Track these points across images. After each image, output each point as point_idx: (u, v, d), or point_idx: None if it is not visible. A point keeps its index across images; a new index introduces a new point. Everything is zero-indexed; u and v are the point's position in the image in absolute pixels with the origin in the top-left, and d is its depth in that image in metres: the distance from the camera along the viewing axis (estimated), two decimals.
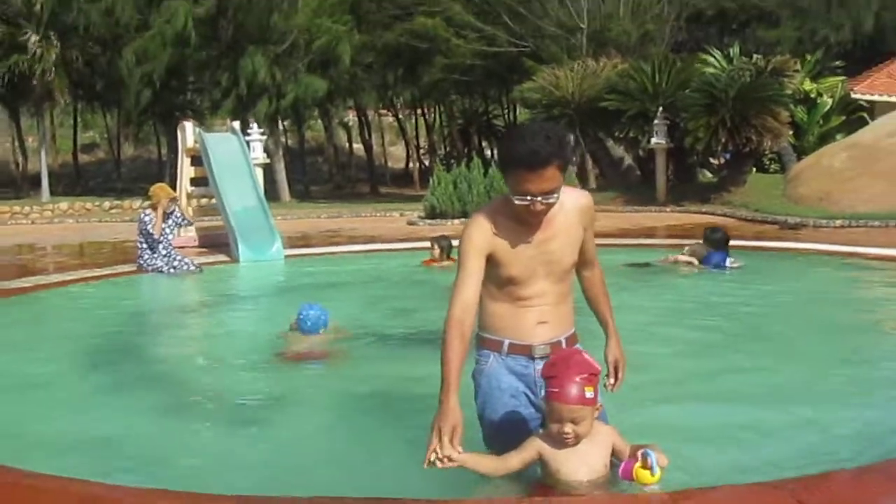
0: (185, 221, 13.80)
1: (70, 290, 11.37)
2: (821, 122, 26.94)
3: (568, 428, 3.54)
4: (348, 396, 5.77)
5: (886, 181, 18.28)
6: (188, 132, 16.80)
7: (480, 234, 3.61)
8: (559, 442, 3.59)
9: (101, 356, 7.31)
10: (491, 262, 3.64)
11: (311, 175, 49.12)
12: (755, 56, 25.43)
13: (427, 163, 50.58)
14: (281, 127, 40.51)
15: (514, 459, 3.64)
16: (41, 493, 3.83)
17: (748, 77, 22.55)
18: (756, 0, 32.25)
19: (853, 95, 28.10)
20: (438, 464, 3.40)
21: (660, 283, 10.83)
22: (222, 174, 15.56)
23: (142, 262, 12.80)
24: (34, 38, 33.06)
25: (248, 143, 17.19)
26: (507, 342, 3.75)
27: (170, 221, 13.02)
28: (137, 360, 7.23)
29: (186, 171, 16.73)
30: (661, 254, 12.47)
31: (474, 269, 3.60)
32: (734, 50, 27.40)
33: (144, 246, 12.83)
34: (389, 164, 57.38)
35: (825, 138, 25.51)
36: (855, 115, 27.00)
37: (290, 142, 49.86)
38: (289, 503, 3.64)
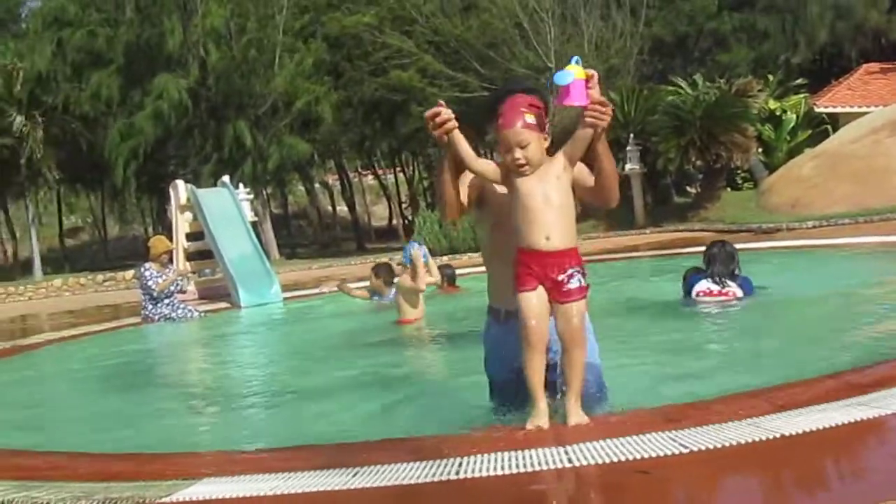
0: (177, 286, 13.62)
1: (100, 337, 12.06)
2: (788, 138, 27.75)
3: (518, 153, 3.79)
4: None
5: (851, 183, 19.02)
6: (181, 189, 17.37)
7: None
8: (516, 174, 3.84)
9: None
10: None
11: (295, 238, 49.73)
12: (719, 81, 26.26)
13: (410, 217, 51.15)
14: (265, 193, 41.13)
15: (485, 163, 3.98)
16: None
17: (713, 98, 23.34)
18: (713, 25, 33.23)
19: (817, 110, 29.02)
20: (439, 114, 3.77)
21: None
22: (216, 225, 16.10)
23: (146, 312, 13.06)
24: (19, 118, 33.81)
25: None
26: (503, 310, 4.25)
27: (169, 272, 13.35)
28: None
29: (182, 226, 17.21)
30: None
31: None
32: (698, 77, 28.29)
33: (147, 297, 13.21)
34: (373, 222, 57.91)
35: (793, 153, 26.24)
36: (820, 129, 27.86)
37: (273, 207, 50.43)
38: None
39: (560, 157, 3.87)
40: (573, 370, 3.82)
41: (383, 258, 25.21)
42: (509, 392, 4.16)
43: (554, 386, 3.95)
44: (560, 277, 3.79)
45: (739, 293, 7.85)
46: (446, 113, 3.76)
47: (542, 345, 3.80)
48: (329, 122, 35.07)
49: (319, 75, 35.36)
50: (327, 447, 4.22)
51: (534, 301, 3.79)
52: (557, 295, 3.80)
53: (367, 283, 11.50)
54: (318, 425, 5.07)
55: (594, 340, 4.28)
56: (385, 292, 10.96)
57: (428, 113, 3.81)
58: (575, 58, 3.82)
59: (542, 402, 3.79)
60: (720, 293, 7.84)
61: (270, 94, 33.67)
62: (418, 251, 9.07)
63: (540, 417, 3.77)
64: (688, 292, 8.06)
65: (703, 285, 7.92)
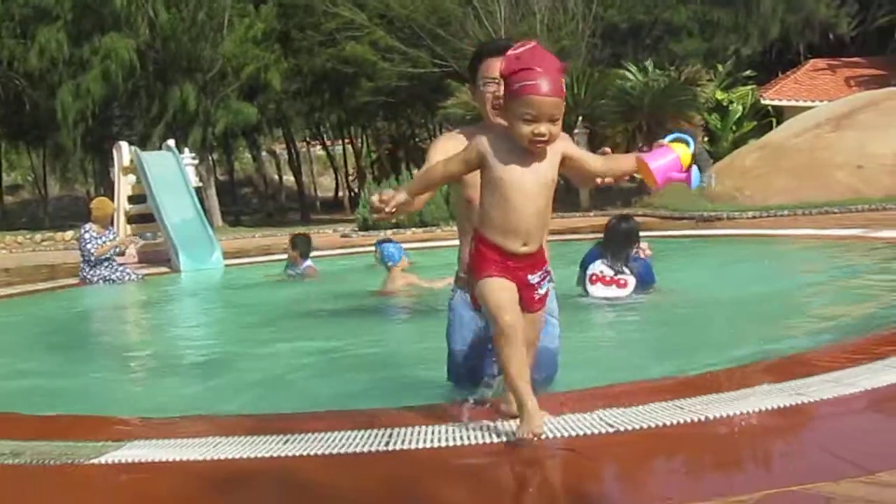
0: (118, 250, 13.52)
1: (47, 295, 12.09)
2: (734, 128, 28.15)
3: (544, 128, 3.06)
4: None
5: (792, 175, 19.31)
6: (124, 151, 17.16)
7: None
8: (518, 151, 3.16)
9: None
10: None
11: (241, 205, 49.40)
12: (669, 68, 26.50)
13: (357, 189, 50.90)
14: (210, 159, 40.73)
15: (455, 163, 3.29)
16: None
17: (662, 85, 23.56)
18: (666, 15, 33.49)
19: (763, 102, 29.46)
20: (377, 203, 3.32)
21: None
22: (159, 189, 15.93)
23: (84, 274, 12.91)
24: None
25: None
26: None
27: (110, 235, 13.21)
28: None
29: (124, 188, 17.00)
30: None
31: None
32: (649, 64, 28.51)
33: (85, 259, 13.05)
34: (319, 193, 57.63)
35: (738, 144, 26.60)
36: (765, 121, 28.28)
37: (219, 173, 49.96)
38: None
39: (558, 156, 3.24)
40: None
41: (327, 229, 25.21)
42: (466, 366, 4.07)
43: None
44: (532, 279, 3.32)
45: (632, 283, 7.25)
46: (387, 202, 3.30)
47: (522, 338, 3.23)
48: (277, 90, 34.86)
49: (269, 42, 35.10)
50: (259, 415, 4.23)
51: (506, 290, 3.25)
52: (528, 300, 3.34)
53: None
54: (252, 393, 5.07)
55: (557, 324, 4.13)
56: (299, 264, 11.18)
57: (376, 218, 3.62)
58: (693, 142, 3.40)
59: (531, 402, 3.20)
60: (612, 280, 7.24)
61: (219, 58, 33.32)
62: (406, 261, 9.21)
63: (532, 419, 3.19)
64: (583, 266, 7.45)
65: (597, 267, 7.32)
